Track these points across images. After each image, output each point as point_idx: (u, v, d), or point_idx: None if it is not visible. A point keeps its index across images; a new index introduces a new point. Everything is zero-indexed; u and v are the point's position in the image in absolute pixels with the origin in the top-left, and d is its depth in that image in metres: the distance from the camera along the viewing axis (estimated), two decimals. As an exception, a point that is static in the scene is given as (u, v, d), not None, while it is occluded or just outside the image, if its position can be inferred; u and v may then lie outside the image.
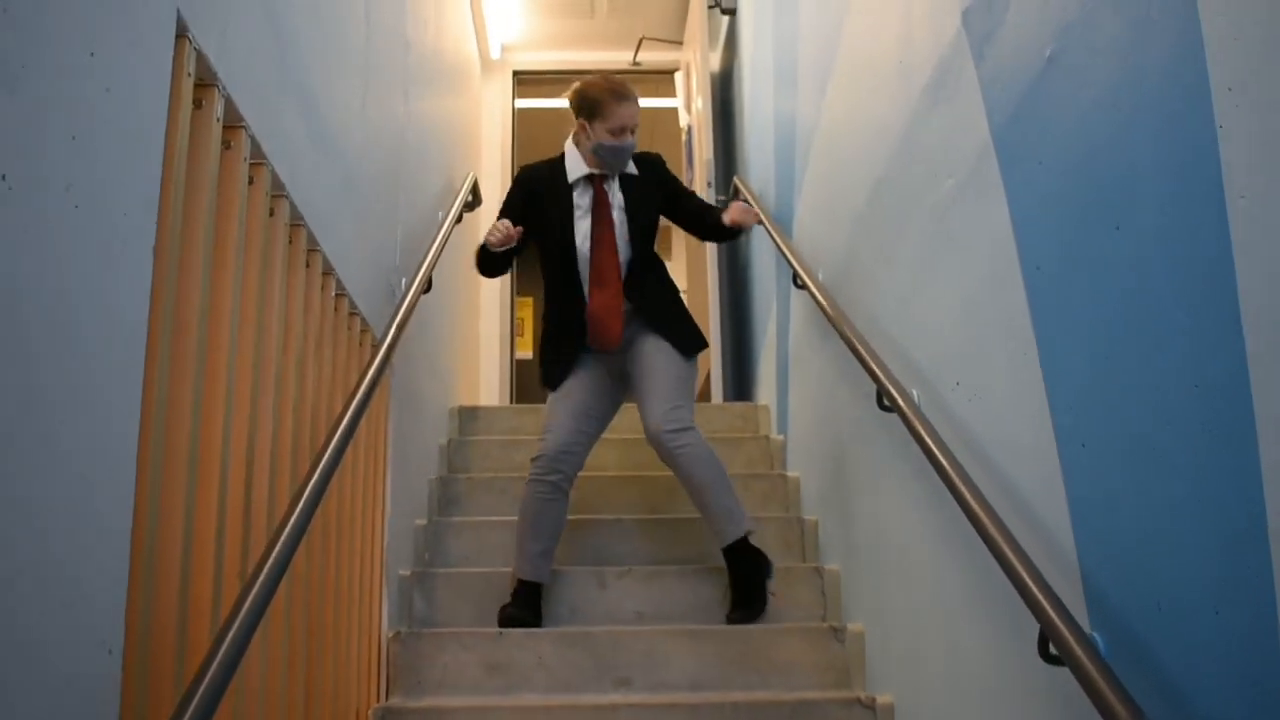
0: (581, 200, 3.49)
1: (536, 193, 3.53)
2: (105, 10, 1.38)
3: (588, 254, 3.46)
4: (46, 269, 1.23)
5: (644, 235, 3.54)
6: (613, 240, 3.47)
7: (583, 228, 3.47)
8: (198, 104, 1.75)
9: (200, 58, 1.72)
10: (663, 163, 3.69)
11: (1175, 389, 1.48)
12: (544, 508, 3.36)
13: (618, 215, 3.49)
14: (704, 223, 3.68)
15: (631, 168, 3.56)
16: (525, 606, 3.34)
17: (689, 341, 3.50)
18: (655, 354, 3.44)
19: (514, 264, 3.60)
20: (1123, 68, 1.63)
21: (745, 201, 4.86)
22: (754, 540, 3.37)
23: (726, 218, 3.49)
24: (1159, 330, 1.52)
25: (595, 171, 3.50)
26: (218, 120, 1.80)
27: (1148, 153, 1.56)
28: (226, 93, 1.83)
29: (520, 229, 3.36)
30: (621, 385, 3.58)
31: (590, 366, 3.51)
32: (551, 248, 3.49)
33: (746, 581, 3.37)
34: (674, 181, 3.69)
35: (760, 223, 3.94)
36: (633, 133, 3.44)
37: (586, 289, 3.47)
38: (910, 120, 2.61)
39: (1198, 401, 1.43)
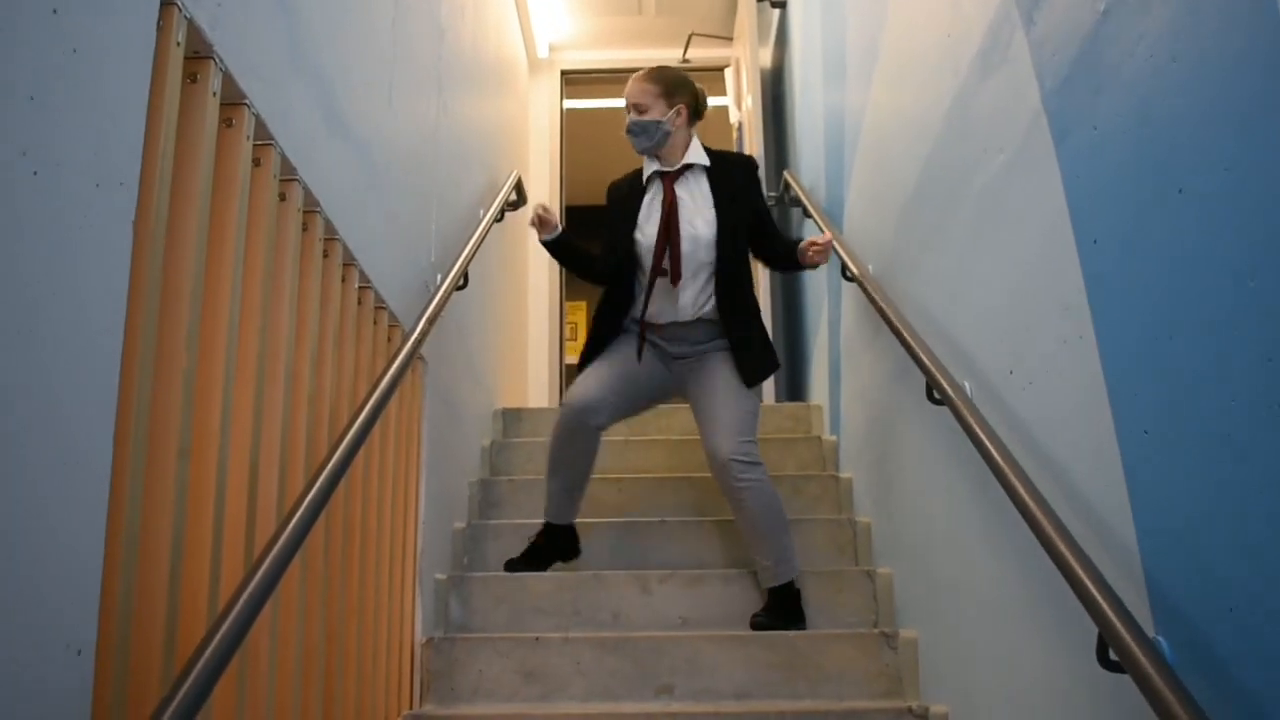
0: (652, 197, 3.40)
1: (615, 199, 3.50)
2: (72, -35, 1.29)
3: (651, 247, 3.31)
4: (-2, 238, 1.14)
5: (726, 232, 3.31)
6: (676, 231, 3.29)
7: (648, 223, 3.36)
8: (191, 77, 1.66)
9: (192, 27, 1.62)
10: (751, 168, 3.51)
11: (1248, 367, 1.33)
12: (567, 444, 3.31)
13: (688, 210, 3.34)
14: (774, 251, 3.46)
15: (701, 158, 3.40)
16: (542, 551, 3.42)
17: (765, 366, 3.35)
18: (729, 380, 3.28)
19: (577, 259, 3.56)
20: (1181, 14, 1.48)
21: (795, 197, 4.74)
22: (800, 590, 3.30)
23: (805, 257, 3.27)
24: (1229, 302, 1.37)
25: (661, 169, 3.40)
26: (214, 95, 1.71)
27: (1211, 104, 1.41)
28: (224, 66, 1.73)
29: (552, 216, 3.40)
30: (671, 381, 3.43)
31: (634, 363, 3.37)
32: (620, 243, 3.39)
33: (781, 620, 3.22)
34: (757, 194, 3.48)
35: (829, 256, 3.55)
36: (638, 110, 3.35)
37: (645, 283, 3.33)
38: (958, 96, 2.47)
39: (1274, 380, 1.28)
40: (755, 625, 3.21)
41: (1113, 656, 1.55)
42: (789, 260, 3.38)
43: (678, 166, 3.39)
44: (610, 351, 3.39)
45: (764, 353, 3.36)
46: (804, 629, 3.21)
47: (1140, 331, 1.62)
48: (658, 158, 3.42)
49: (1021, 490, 1.87)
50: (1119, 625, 1.51)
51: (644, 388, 3.40)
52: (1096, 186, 1.76)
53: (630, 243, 3.36)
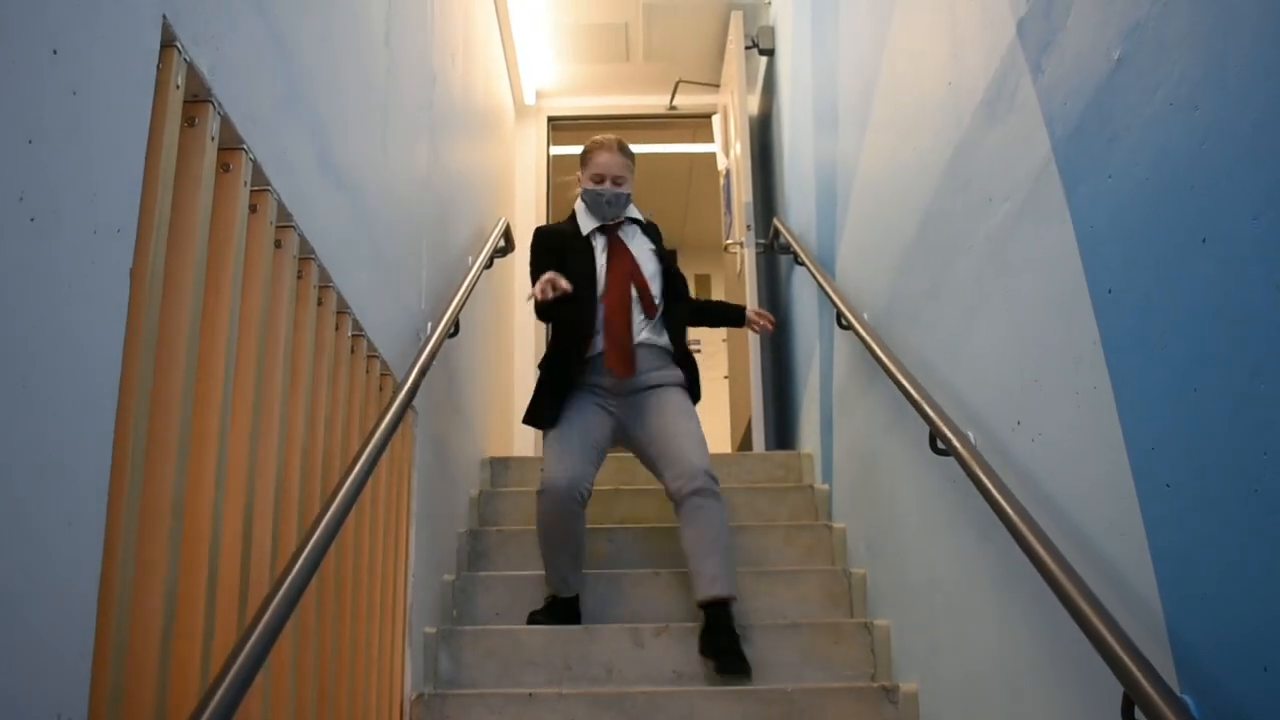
0: (599, 245, 3.61)
1: (556, 247, 3.62)
2: (73, 6, 1.25)
3: (604, 284, 3.52)
4: (-7, 287, 1.09)
5: (663, 278, 3.63)
6: (632, 268, 3.55)
7: (602, 265, 3.56)
8: (189, 121, 1.62)
9: (191, 70, 1.58)
10: (659, 233, 3.83)
11: (1279, 419, 1.29)
12: (558, 525, 3.33)
13: (637, 252, 3.61)
14: (701, 309, 3.92)
15: (636, 214, 3.72)
16: (555, 616, 3.45)
17: (697, 393, 3.62)
18: (685, 403, 3.51)
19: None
20: (1203, 62, 1.46)
21: (785, 244, 4.73)
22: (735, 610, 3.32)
23: (751, 312, 3.91)
24: (1257, 353, 1.34)
25: (604, 223, 3.64)
26: (212, 139, 1.67)
27: (1237, 153, 1.39)
28: (223, 111, 1.69)
29: (566, 285, 3.37)
30: (619, 431, 3.53)
31: (591, 407, 3.47)
32: (575, 288, 3.44)
33: (730, 650, 3.20)
34: (669, 256, 3.81)
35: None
36: (615, 183, 3.60)
37: (600, 319, 3.48)
38: (960, 144, 2.45)
39: (1306, 432, 1.24)
40: (732, 669, 3.16)
41: (1139, 716, 1.50)
42: (720, 315, 3.99)
43: (619, 220, 3.67)
44: (567, 416, 3.43)
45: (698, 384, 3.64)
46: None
47: (1161, 383, 1.58)
48: (596, 215, 3.65)
49: (1037, 545, 1.83)
50: (1146, 684, 1.46)
51: (601, 441, 3.48)
52: (1112, 236, 1.73)
53: (589, 291, 3.49)
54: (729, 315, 4.02)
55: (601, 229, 3.63)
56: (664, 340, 3.54)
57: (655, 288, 3.58)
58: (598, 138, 3.71)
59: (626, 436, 3.53)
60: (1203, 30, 1.47)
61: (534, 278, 3.52)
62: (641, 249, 3.64)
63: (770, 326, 3.89)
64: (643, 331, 3.50)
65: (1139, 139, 1.64)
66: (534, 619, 3.47)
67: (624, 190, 3.61)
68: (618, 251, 3.59)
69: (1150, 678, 1.47)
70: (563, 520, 3.31)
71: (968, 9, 2.40)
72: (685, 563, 3.43)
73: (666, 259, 3.72)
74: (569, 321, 3.50)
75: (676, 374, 3.55)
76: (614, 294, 3.50)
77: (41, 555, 1.16)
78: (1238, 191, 1.38)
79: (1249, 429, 1.36)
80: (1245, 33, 1.36)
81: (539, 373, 3.59)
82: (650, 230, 3.76)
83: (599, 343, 3.46)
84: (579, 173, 3.71)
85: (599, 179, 3.59)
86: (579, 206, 3.69)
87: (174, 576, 1.50)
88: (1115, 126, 1.71)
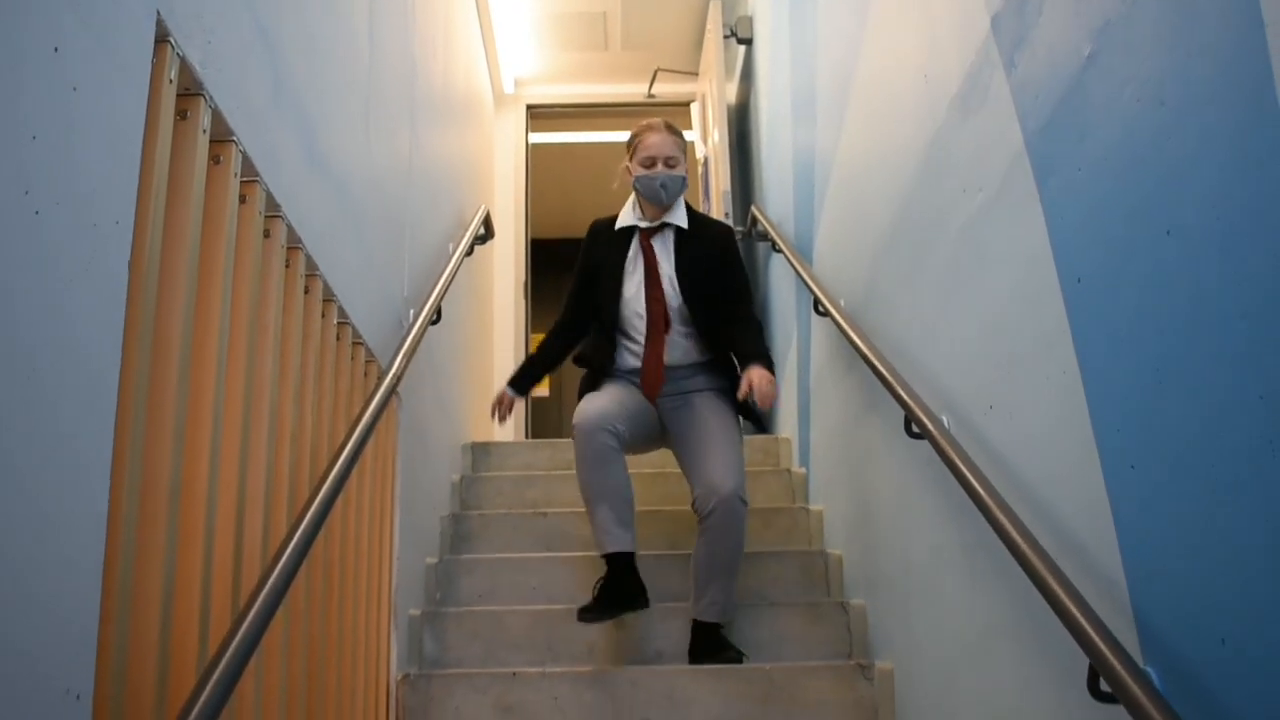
0: (633, 252, 3.44)
1: (598, 245, 3.48)
2: (72, 5, 1.28)
3: (641, 307, 3.36)
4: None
5: (699, 296, 3.38)
6: (661, 295, 3.36)
7: (632, 281, 3.40)
8: (182, 114, 1.65)
9: (184, 65, 1.62)
10: (730, 237, 3.54)
11: (1237, 403, 1.35)
12: (597, 467, 3.12)
13: (665, 270, 3.40)
14: (730, 323, 3.41)
15: (680, 220, 3.44)
16: (611, 591, 3.11)
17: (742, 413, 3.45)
18: (725, 417, 3.33)
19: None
20: (1169, 59, 1.51)
21: (763, 232, 4.78)
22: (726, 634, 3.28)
23: (745, 383, 3.19)
24: (1217, 340, 1.40)
25: (640, 224, 3.44)
26: (204, 132, 1.70)
27: (1199, 149, 1.44)
28: (214, 104, 1.73)
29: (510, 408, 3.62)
30: (660, 431, 3.43)
31: (636, 393, 3.35)
32: (601, 298, 3.40)
33: (721, 659, 3.18)
34: (732, 261, 3.48)
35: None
36: (668, 164, 3.35)
37: (638, 339, 3.37)
38: (935, 135, 2.51)
39: (1263, 415, 1.30)
40: (733, 659, 3.19)
41: (1104, 688, 1.56)
42: (735, 347, 3.41)
43: (657, 224, 3.44)
44: (609, 387, 3.35)
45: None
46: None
47: (1127, 368, 1.64)
48: (643, 210, 3.45)
49: (1008, 524, 1.89)
50: (1111, 657, 1.52)
51: (643, 421, 3.34)
52: (1081, 226, 1.79)
53: (617, 299, 3.38)
54: (740, 357, 3.43)
55: (636, 230, 3.44)
56: (696, 356, 3.40)
57: (676, 307, 3.37)
58: (644, 122, 3.48)
59: (667, 434, 3.42)
60: (1167, 28, 1.52)
61: (577, 279, 3.51)
62: (668, 257, 3.41)
63: (746, 395, 3.25)
64: (675, 353, 3.37)
65: (1108, 133, 1.69)
66: (582, 616, 3.12)
67: (678, 172, 3.37)
68: (649, 269, 3.39)
69: (1115, 651, 1.53)
70: (597, 460, 3.11)
71: (943, 3, 2.45)
72: (666, 546, 3.52)
73: (713, 264, 3.41)
74: (584, 324, 3.53)
75: (716, 380, 3.41)
76: (652, 320, 3.35)
77: (49, 540, 1.20)
78: (1200, 185, 1.43)
79: (1208, 414, 1.41)
80: (1205, 32, 1.42)
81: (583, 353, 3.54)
82: (697, 236, 3.45)
83: (628, 359, 3.38)
84: (627, 163, 3.46)
85: (649, 163, 3.36)
86: (630, 200, 3.48)
87: (172, 559, 1.54)
88: (1085, 121, 1.76)
